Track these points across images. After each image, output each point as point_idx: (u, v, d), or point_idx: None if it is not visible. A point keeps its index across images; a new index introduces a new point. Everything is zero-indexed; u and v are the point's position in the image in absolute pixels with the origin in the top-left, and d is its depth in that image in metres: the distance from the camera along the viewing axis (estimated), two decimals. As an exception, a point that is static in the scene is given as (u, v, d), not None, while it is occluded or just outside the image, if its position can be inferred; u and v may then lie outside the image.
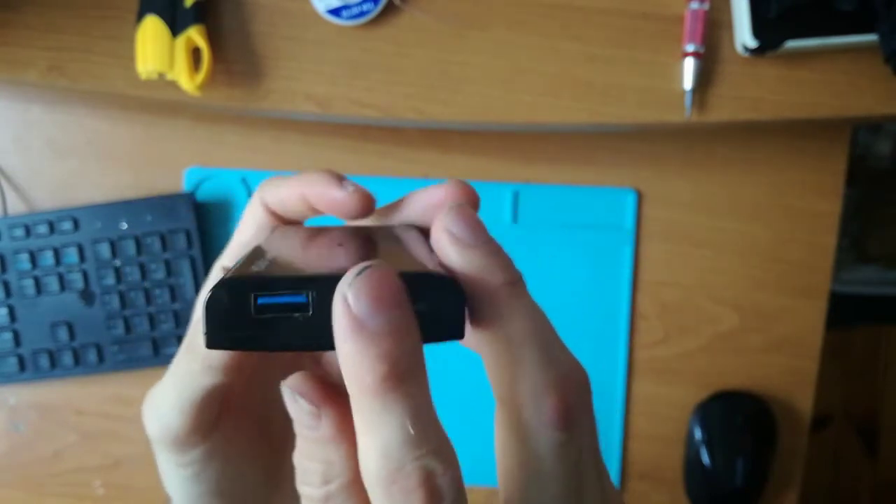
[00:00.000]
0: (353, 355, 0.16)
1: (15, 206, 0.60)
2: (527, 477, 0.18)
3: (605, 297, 0.59)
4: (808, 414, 0.60)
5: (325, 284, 0.16)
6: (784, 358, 0.59)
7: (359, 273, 0.16)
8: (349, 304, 0.15)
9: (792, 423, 0.59)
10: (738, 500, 0.58)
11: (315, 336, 0.16)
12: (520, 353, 0.18)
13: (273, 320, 0.16)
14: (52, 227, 0.57)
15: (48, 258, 0.57)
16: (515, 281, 0.19)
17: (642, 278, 0.59)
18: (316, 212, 0.22)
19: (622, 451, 0.59)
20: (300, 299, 0.16)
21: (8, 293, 0.58)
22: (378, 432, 0.16)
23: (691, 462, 0.58)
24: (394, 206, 0.23)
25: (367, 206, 0.21)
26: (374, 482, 0.16)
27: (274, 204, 0.23)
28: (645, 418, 0.60)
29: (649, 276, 0.59)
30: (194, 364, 0.21)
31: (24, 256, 0.57)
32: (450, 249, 0.18)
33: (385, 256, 0.18)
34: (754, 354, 0.59)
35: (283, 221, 0.24)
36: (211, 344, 0.16)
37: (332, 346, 0.16)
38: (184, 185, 0.59)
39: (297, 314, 0.16)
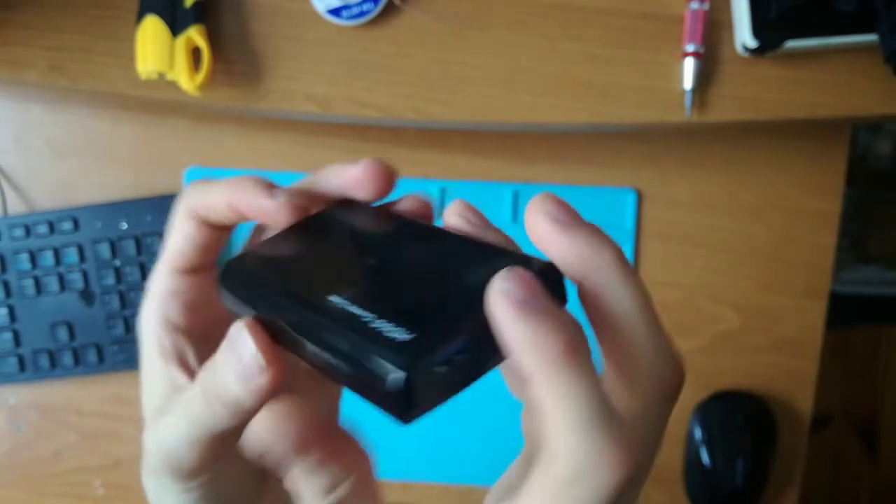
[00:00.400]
0: (532, 331, 0.16)
1: (15, 206, 0.60)
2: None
3: (605, 297, 0.59)
4: (808, 414, 0.60)
5: (478, 317, 0.17)
6: (784, 358, 0.59)
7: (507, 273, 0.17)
8: (512, 294, 0.16)
9: (792, 423, 0.59)
10: (738, 500, 0.58)
11: (483, 359, 0.17)
12: (639, 329, 0.19)
13: (446, 373, 0.16)
14: (52, 228, 0.57)
15: (48, 258, 0.57)
16: (620, 254, 0.19)
17: (642, 278, 0.59)
18: (245, 219, 0.22)
19: (622, 450, 0.60)
20: (464, 343, 0.16)
21: (8, 293, 0.58)
22: (572, 400, 0.16)
23: (691, 462, 0.59)
24: (310, 186, 0.23)
25: (298, 215, 0.22)
26: (571, 451, 0.16)
27: (201, 210, 0.23)
28: (645, 418, 0.60)
29: (649, 275, 0.59)
30: (220, 410, 0.20)
31: (24, 256, 0.57)
32: (555, 232, 0.19)
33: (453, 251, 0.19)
34: (754, 354, 0.59)
35: (211, 226, 0.23)
36: (410, 421, 0.16)
37: (500, 358, 0.17)
38: (184, 185, 0.59)
39: (461, 355, 0.17)
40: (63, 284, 0.58)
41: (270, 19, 0.49)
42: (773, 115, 0.49)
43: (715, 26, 0.49)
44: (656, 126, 0.51)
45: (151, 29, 0.47)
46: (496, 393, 0.27)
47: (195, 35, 0.47)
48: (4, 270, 0.58)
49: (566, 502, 0.16)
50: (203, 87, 0.48)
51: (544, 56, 0.49)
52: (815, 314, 0.59)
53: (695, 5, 0.48)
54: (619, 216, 0.58)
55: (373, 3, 0.48)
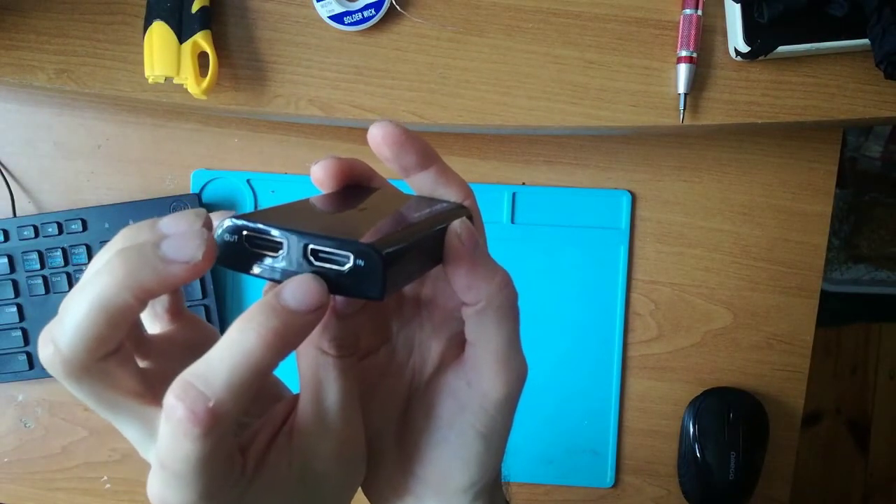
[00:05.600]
0: (474, 261, 0.24)
1: (24, 207, 0.61)
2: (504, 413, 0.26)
3: (601, 296, 0.60)
4: (799, 410, 0.61)
5: (424, 236, 0.23)
6: (776, 355, 0.60)
7: (459, 227, 0.24)
8: (464, 244, 0.24)
9: (784, 419, 0.60)
10: (731, 495, 0.59)
11: (431, 256, 0.24)
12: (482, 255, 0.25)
13: (404, 262, 0.22)
14: (60, 228, 0.58)
15: (57, 258, 0.59)
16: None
17: (637, 277, 0.60)
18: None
19: (617, 445, 0.61)
20: (413, 247, 0.22)
21: (17, 292, 0.59)
22: (497, 273, 0.24)
23: (685, 457, 0.60)
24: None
25: (212, 252, 0.21)
26: (502, 304, 0.24)
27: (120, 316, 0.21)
28: (639, 414, 0.61)
29: (643, 275, 0.60)
30: (132, 279, 0.20)
31: (34, 256, 0.59)
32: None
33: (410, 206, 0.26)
34: (747, 352, 0.60)
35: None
36: (384, 294, 0.20)
37: (432, 267, 0.24)
38: (190, 187, 0.60)
39: (415, 250, 0.23)
40: (71, 284, 0.59)
41: (275, 25, 0.50)
42: (766, 118, 0.50)
43: (708, 32, 0.50)
44: (650, 129, 0.51)
45: (158, 34, 0.48)
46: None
47: (201, 40, 0.48)
48: (14, 270, 0.59)
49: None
50: (209, 91, 0.48)
51: (541, 61, 0.50)
52: (806, 312, 0.60)
53: (689, 11, 0.49)
54: (614, 217, 0.59)
55: (374, 10, 0.49)
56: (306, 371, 0.23)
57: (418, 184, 0.26)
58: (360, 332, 0.25)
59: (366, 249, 0.20)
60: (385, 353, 0.28)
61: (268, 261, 0.21)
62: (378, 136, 0.25)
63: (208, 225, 0.21)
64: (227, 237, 0.21)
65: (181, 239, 0.20)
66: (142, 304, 0.20)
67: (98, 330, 0.20)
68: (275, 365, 0.20)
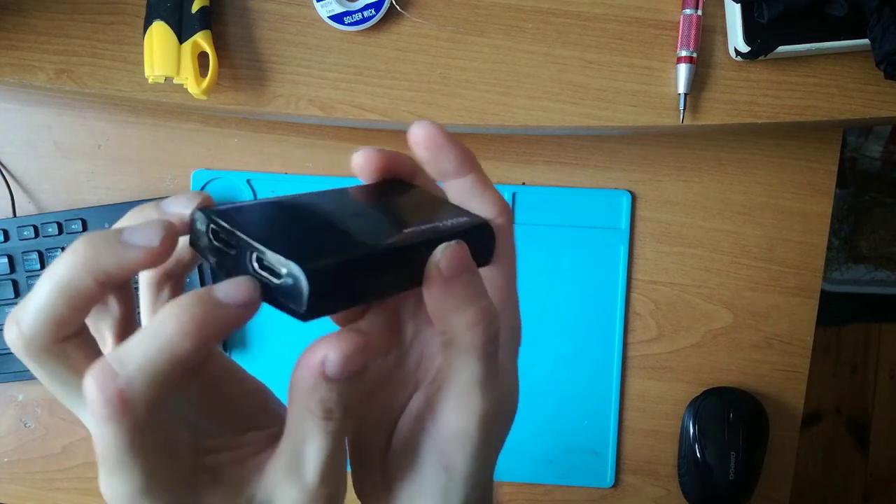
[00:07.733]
0: (445, 289, 0.22)
1: (24, 207, 0.61)
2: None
3: (601, 296, 0.60)
4: (799, 410, 0.61)
5: (388, 251, 0.22)
6: (776, 355, 0.60)
7: (444, 250, 0.22)
8: (440, 271, 0.22)
9: (784, 419, 0.61)
10: (731, 495, 0.59)
11: (411, 274, 0.22)
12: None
13: (357, 280, 0.21)
14: (60, 228, 0.58)
15: (57, 258, 0.59)
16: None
17: (637, 277, 0.60)
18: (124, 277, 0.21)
19: (617, 445, 0.61)
20: (363, 264, 0.21)
21: (17, 292, 0.59)
22: (470, 309, 0.22)
23: (685, 457, 0.60)
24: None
25: (170, 243, 0.21)
26: (469, 343, 0.22)
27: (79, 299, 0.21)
28: (639, 414, 0.61)
29: (643, 275, 0.60)
30: (95, 261, 0.20)
31: (33, 256, 0.59)
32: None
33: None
34: (747, 352, 0.60)
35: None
36: (310, 315, 0.19)
37: (399, 289, 0.23)
38: (190, 187, 0.60)
39: (371, 269, 0.21)
40: (71, 283, 0.59)
41: (275, 25, 0.50)
42: (766, 118, 0.50)
43: (708, 31, 0.50)
44: (650, 129, 0.51)
45: (158, 34, 0.48)
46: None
47: (201, 40, 0.48)
48: (14, 270, 0.59)
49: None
50: (209, 91, 0.48)
51: (541, 61, 0.50)
52: (806, 312, 0.60)
53: (689, 11, 0.49)
54: (614, 217, 0.59)
55: (374, 10, 0.49)
56: (292, 418, 0.22)
57: (453, 191, 0.26)
58: (356, 401, 0.23)
59: (292, 265, 0.19)
60: (395, 358, 0.27)
61: (223, 257, 0.21)
62: (418, 136, 0.24)
63: (208, 206, 0.22)
64: (196, 225, 0.22)
65: (144, 225, 0.21)
66: (102, 286, 0.21)
67: (57, 311, 0.21)
68: (193, 355, 0.19)
